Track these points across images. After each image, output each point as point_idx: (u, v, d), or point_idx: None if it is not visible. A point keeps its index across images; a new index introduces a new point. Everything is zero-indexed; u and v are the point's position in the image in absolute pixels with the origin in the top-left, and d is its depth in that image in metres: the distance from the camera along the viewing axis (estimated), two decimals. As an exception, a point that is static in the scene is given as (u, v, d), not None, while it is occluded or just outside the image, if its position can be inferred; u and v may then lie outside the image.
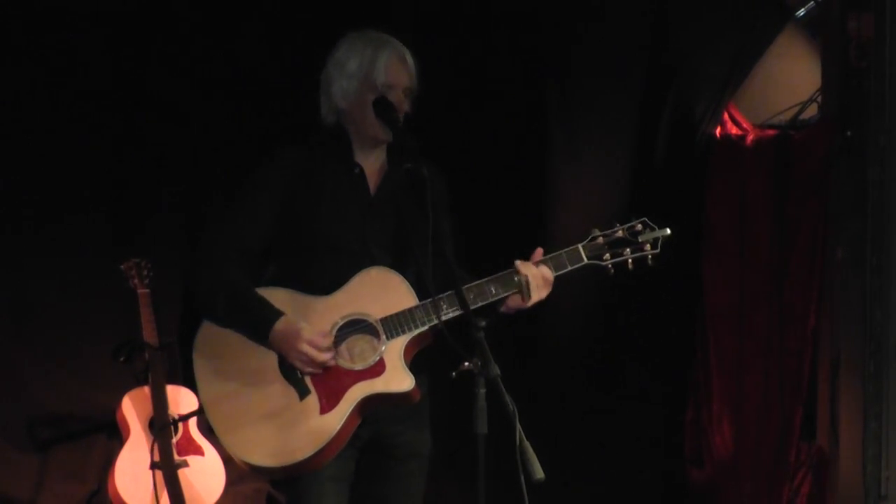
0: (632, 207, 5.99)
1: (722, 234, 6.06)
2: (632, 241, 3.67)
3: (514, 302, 3.60)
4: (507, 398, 3.13)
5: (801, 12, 6.11)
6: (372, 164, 3.68)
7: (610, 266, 3.66)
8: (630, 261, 3.66)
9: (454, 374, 3.21)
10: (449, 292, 3.48)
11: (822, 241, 5.69)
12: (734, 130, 6.09)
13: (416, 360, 3.57)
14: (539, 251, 3.62)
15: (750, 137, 6.03)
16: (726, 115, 6.09)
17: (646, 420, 6.08)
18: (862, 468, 5.38)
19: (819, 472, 5.63)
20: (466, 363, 3.18)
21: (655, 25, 6.04)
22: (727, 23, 6.03)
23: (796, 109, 6.05)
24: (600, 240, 3.66)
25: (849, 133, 5.45)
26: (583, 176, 6.07)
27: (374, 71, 3.58)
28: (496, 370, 3.14)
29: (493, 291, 3.57)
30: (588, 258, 3.64)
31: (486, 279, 3.57)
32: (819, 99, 5.90)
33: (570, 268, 3.62)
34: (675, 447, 6.14)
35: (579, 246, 3.65)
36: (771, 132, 6.05)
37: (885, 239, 5.40)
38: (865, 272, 5.42)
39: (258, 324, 3.50)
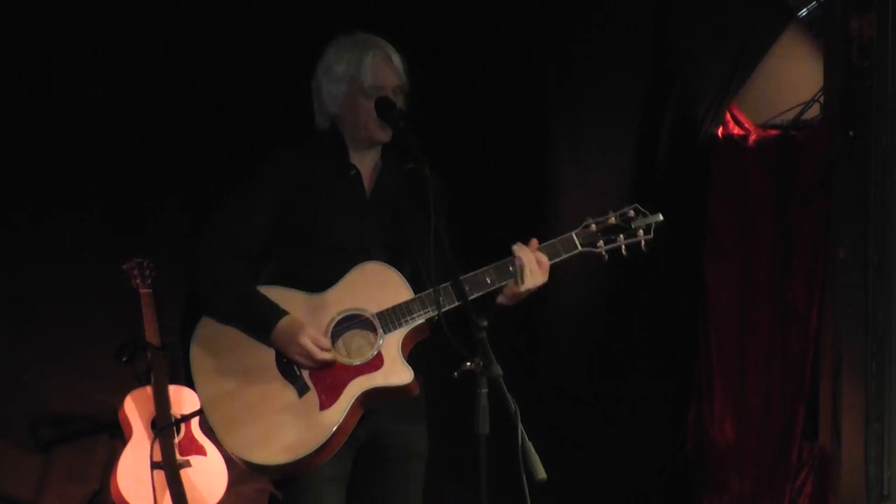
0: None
1: (724, 233, 6.06)
2: (625, 227, 3.68)
3: (511, 290, 3.60)
4: (509, 398, 3.13)
5: (804, 12, 6.11)
6: (367, 165, 3.69)
7: (604, 253, 3.67)
8: (624, 247, 3.67)
9: (456, 374, 3.21)
10: (445, 284, 3.48)
11: (823, 241, 5.69)
12: (736, 130, 6.09)
13: (412, 361, 3.56)
14: (534, 242, 3.63)
15: (752, 137, 6.04)
16: (728, 115, 6.10)
17: (648, 419, 6.08)
18: (864, 468, 5.38)
19: (821, 472, 5.63)
20: (468, 363, 3.19)
21: (658, 25, 6.04)
22: (729, 22, 6.03)
23: (798, 109, 6.05)
24: (593, 227, 3.67)
25: (851, 133, 5.45)
26: (585, 175, 6.07)
27: (361, 73, 3.58)
28: (498, 370, 3.15)
29: (489, 281, 3.57)
30: (582, 245, 3.66)
31: (481, 269, 3.58)
32: (821, 99, 5.89)
33: (564, 255, 3.64)
34: (677, 446, 6.13)
35: (573, 234, 3.67)
36: (773, 132, 6.05)
37: (887, 239, 5.40)
38: (867, 272, 5.42)
39: (261, 322, 3.51)
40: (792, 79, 6.17)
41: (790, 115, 6.08)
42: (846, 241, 5.51)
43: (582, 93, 6.06)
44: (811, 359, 5.73)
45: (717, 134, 6.10)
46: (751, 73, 6.10)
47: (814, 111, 5.99)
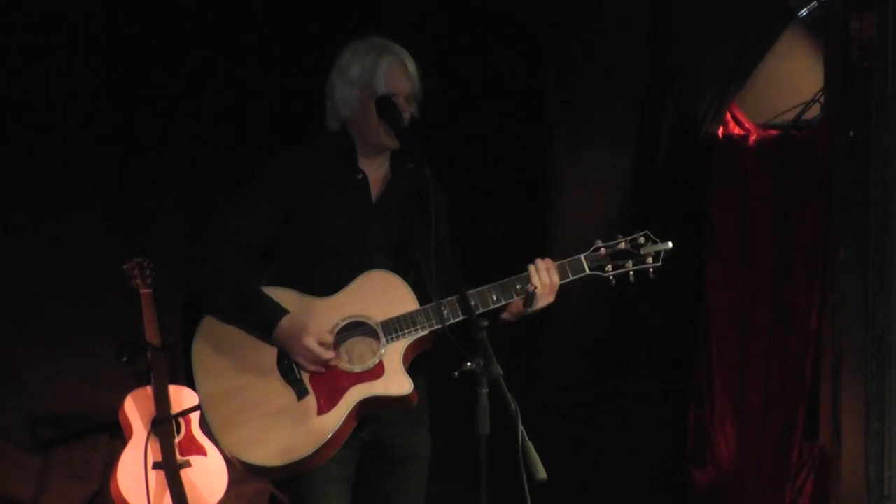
0: (634, 208, 6.00)
1: (724, 234, 6.06)
2: (634, 253, 3.68)
3: (516, 307, 3.61)
4: (510, 398, 3.14)
5: (804, 12, 6.11)
6: (376, 171, 3.69)
7: (612, 277, 3.67)
8: (632, 273, 3.67)
9: (456, 374, 3.22)
10: (450, 297, 3.49)
11: (824, 241, 5.69)
12: (736, 130, 6.09)
13: (415, 363, 3.57)
14: (548, 261, 3.63)
15: (752, 137, 6.04)
16: (728, 115, 6.10)
17: (648, 420, 6.08)
18: (864, 468, 5.38)
19: (821, 473, 5.63)
20: (468, 363, 3.19)
21: (658, 25, 6.04)
22: (730, 22, 6.03)
23: (799, 109, 6.05)
24: (603, 251, 3.67)
25: (851, 133, 5.45)
26: (585, 176, 6.08)
27: (375, 79, 3.58)
28: (498, 370, 3.15)
29: (495, 299, 3.57)
30: (590, 269, 3.66)
31: (487, 286, 3.58)
32: (821, 99, 5.90)
33: (571, 277, 3.64)
34: (677, 447, 6.14)
35: (582, 256, 3.66)
36: (773, 132, 6.06)
37: (887, 239, 5.40)
38: (867, 272, 5.41)
39: (264, 320, 3.51)
40: (792, 79, 6.17)
41: (790, 115, 6.08)
42: (846, 240, 5.50)
43: (582, 93, 6.06)
44: (811, 359, 5.73)
45: (717, 134, 6.10)
46: (751, 73, 6.09)
47: (814, 111, 5.99)
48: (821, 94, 5.90)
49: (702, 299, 6.09)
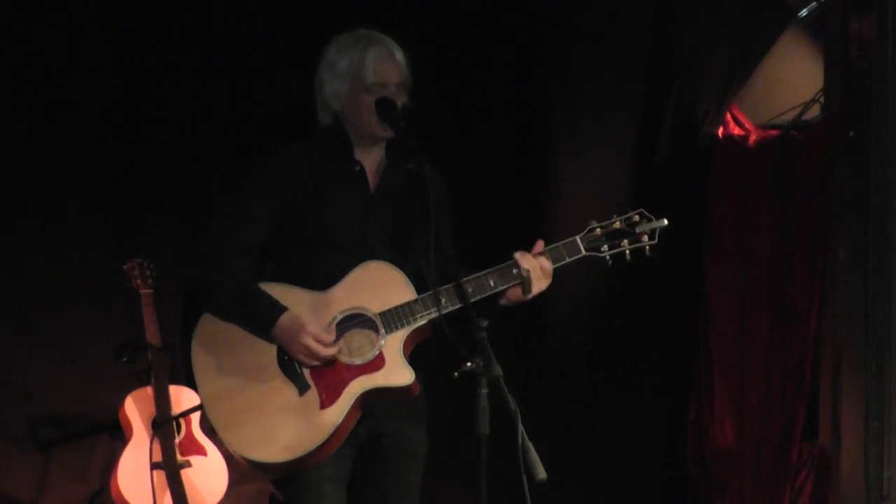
0: (633, 207, 5.99)
1: (724, 234, 6.06)
2: (629, 231, 3.67)
3: (514, 294, 3.60)
4: (509, 398, 3.13)
5: (804, 12, 6.11)
6: (372, 161, 3.69)
7: (608, 257, 3.66)
8: (628, 252, 3.66)
9: (456, 374, 3.21)
10: (448, 286, 3.49)
11: (823, 241, 5.69)
12: (736, 131, 6.09)
13: (412, 362, 3.56)
14: (540, 243, 3.63)
15: (752, 138, 6.04)
16: (728, 116, 6.10)
17: (648, 419, 6.08)
18: (864, 468, 5.38)
19: (821, 473, 5.63)
20: (468, 363, 3.18)
21: (658, 25, 6.05)
22: (730, 23, 6.03)
23: (799, 110, 6.05)
24: (598, 231, 3.66)
25: (851, 133, 5.45)
26: (584, 175, 6.08)
27: (363, 70, 3.58)
28: (498, 370, 3.15)
29: (492, 284, 3.57)
30: (586, 250, 3.65)
31: (484, 272, 3.57)
32: (821, 99, 5.90)
33: (568, 259, 3.63)
34: (677, 446, 6.14)
35: (577, 238, 3.65)
36: (773, 132, 6.06)
37: (886, 239, 5.40)
38: (867, 272, 5.41)
39: (262, 318, 3.51)
40: (792, 79, 6.17)
41: (790, 115, 6.08)
42: (846, 241, 5.50)
43: (582, 93, 6.06)
44: (811, 359, 5.73)
45: (717, 134, 6.10)
46: (751, 74, 6.09)
47: (814, 111, 5.99)
48: (820, 94, 5.90)
49: (702, 299, 6.09)
